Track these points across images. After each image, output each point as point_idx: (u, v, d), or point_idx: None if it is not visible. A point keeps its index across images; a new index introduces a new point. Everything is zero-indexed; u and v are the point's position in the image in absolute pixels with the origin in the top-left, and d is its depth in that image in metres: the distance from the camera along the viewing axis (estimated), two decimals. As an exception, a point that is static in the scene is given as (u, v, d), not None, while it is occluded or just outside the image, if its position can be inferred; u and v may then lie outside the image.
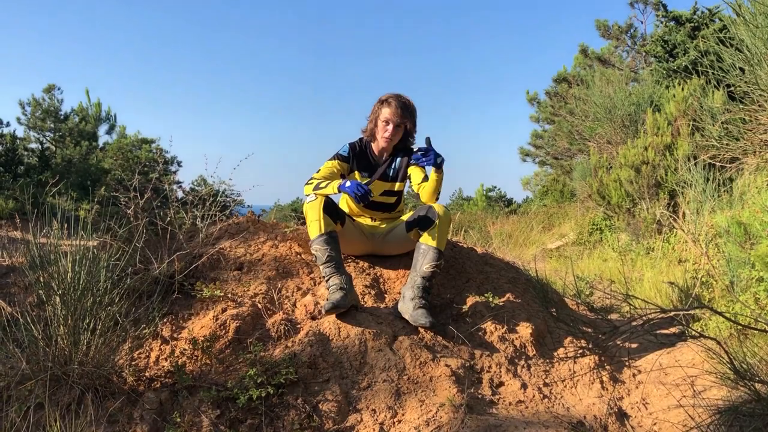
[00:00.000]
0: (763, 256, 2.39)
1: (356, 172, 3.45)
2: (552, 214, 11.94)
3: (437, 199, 3.31)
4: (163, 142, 19.62)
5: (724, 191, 4.93)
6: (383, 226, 3.52)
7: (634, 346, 3.34)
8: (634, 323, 3.41)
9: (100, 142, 18.71)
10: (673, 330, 3.60)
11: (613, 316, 4.21)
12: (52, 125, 17.57)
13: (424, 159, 3.14)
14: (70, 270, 2.65)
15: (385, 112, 3.35)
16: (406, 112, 3.34)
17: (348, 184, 3.04)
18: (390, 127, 3.34)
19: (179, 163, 19.26)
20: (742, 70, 4.41)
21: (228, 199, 4.10)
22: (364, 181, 3.41)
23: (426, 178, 3.36)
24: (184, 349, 2.80)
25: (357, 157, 3.45)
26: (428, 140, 3.16)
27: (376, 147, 3.47)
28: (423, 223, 3.18)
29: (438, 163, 3.16)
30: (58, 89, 17.75)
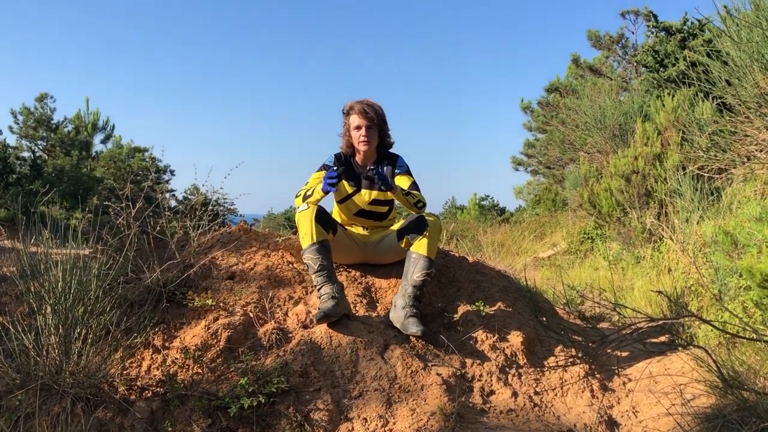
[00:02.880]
0: (748, 268, 2.42)
1: (344, 182, 3.47)
2: (544, 223, 11.98)
3: (421, 208, 3.27)
4: (155, 150, 19.60)
5: (713, 201, 4.98)
6: (375, 235, 3.54)
7: (624, 354, 3.37)
8: (623, 332, 3.43)
9: (94, 151, 18.66)
10: (662, 339, 3.63)
11: (604, 325, 4.23)
12: (44, 134, 17.50)
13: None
14: (61, 279, 2.65)
15: (353, 120, 3.39)
16: (371, 112, 3.38)
17: (321, 184, 3.09)
18: (363, 130, 3.37)
19: (172, 172, 19.23)
20: (728, 82, 4.47)
21: (220, 208, 4.11)
22: (351, 191, 3.44)
23: (413, 185, 3.37)
24: (176, 359, 2.80)
25: (343, 167, 3.48)
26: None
27: (359, 158, 3.50)
28: (414, 232, 3.20)
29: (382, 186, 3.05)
30: (51, 98, 17.70)
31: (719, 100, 5.28)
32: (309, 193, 3.24)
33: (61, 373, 2.52)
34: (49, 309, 2.59)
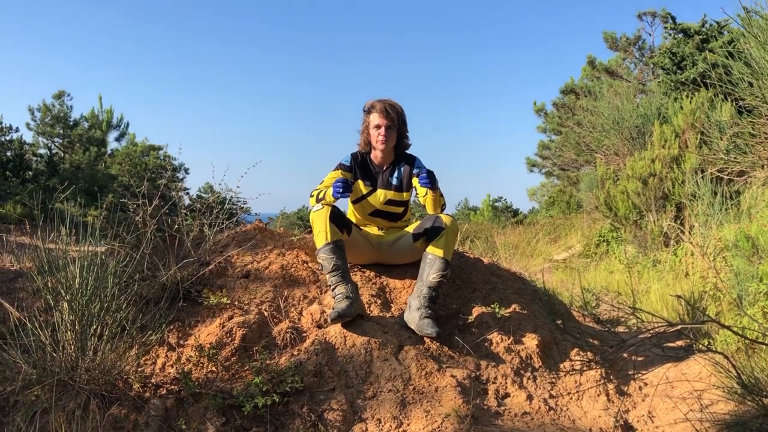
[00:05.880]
0: (771, 271, 2.38)
1: (360, 181, 3.46)
2: (558, 225, 11.92)
3: (442, 210, 3.31)
4: (171, 149, 19.73)
5: (732, 204, 4.91)
6: (390, 235, 3.53)
7: (640, 359, 3.33)
8: (641, 336, 3.39)
9: (110, 149, 18.83)
10: (680, 343, 3.59)
11: (620, 329, 4.19)
12: (61, 131, 17.66)
13: (423, 180, 3.17)
14: (77, 276, 2.66)
15: (374, 118, 3.38)
16: (393, 112, 3.37)
17: (331, 189, 3.09)
18: (382, 130, 3.36)
19: (187, 170, 19.35)
20: (750, 84, 4.41)
21: (235, 206, 4.12)
22: (366, 191, 3.44)
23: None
24: (191, 356, 2.80)
25: (359, 166, 3.47)
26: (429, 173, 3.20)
27: (375, 157, 3.49)
28: (430, 232, 3.19)
29: (431, 186, 3.17)
30: (68, 95, 17.86)
31: (739, 102, 5.21)
32: (321, 195, 3.24)
33: (77, 370, 2.53)
34: (65, 305, 2.61)
